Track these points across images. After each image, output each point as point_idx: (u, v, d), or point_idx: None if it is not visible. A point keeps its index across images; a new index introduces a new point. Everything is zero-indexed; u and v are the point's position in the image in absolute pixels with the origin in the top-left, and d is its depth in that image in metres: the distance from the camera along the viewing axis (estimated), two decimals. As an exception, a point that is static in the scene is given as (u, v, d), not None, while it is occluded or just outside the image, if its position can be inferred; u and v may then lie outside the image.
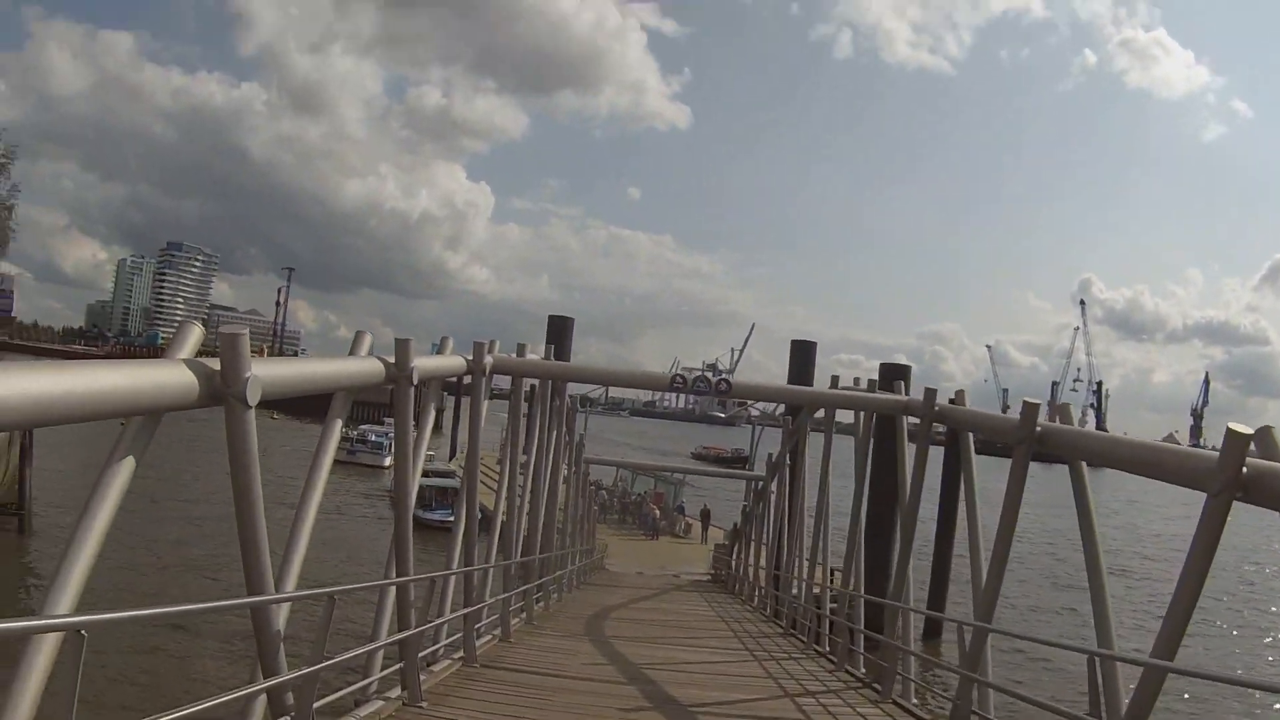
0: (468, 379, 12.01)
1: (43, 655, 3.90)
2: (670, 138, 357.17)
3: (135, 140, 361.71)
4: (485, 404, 12.73)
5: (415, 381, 8.32)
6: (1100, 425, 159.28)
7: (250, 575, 5.66)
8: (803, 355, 28.19)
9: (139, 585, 22.24)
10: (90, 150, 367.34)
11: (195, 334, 5.10)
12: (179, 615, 9.48)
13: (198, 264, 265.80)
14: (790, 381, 28.15)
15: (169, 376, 4.55)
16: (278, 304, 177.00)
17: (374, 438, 61.96)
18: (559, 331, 27.91)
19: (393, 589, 9.03)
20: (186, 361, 4.76)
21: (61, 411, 3.76)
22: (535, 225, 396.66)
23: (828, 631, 15.14)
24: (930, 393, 10.58)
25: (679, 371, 13.45)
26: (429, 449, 12.28)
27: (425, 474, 13.67)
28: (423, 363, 8.80)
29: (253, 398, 4.98)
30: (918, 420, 11.29)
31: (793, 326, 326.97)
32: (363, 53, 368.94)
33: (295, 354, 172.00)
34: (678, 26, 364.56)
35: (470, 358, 11.49)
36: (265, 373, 5.15)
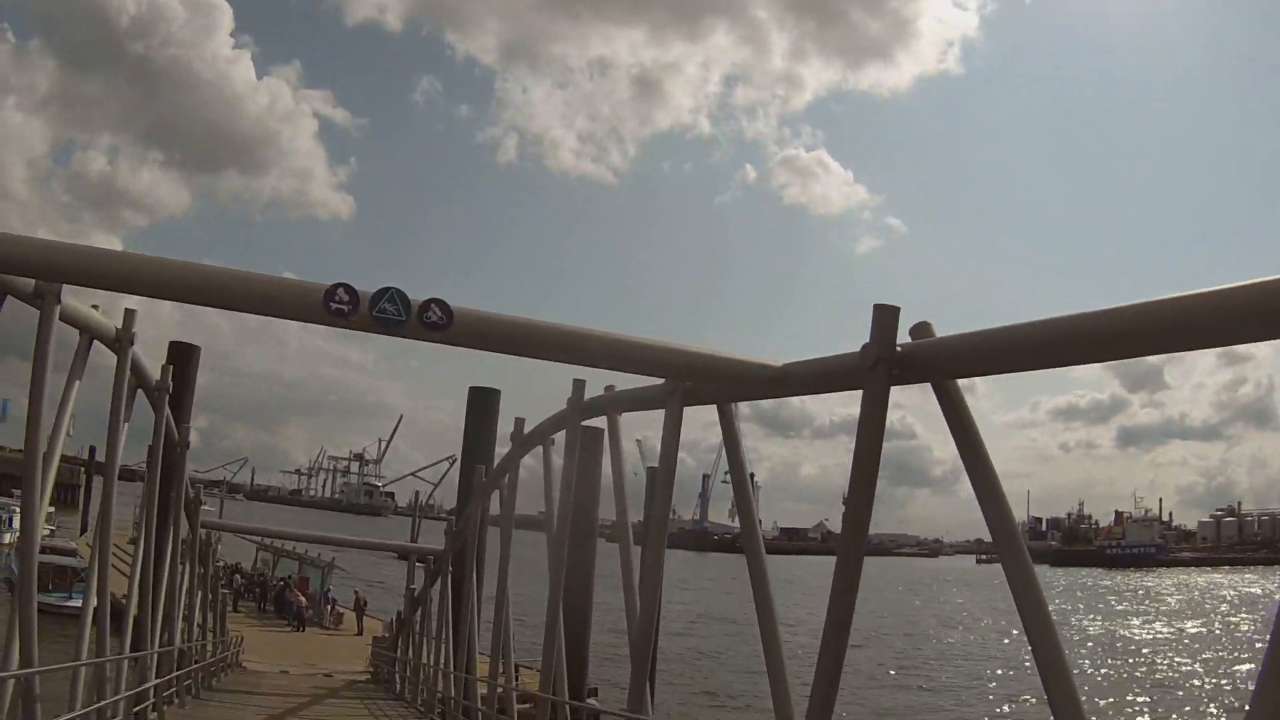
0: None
1: None
2: (331, 226, 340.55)
3: None
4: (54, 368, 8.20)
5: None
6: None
7: None
8: (484, 404, 24.30)
9: None
10: None
11: None
12: None
13: None
14: (468, 435, 24.44)
15: None
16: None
17: None
18: (183, 361, 19.95)
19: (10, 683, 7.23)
20: None
21: None
22: (189, 305, 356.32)
23: None
24: (887, 311, 5.58)
25: (337, 284, 6.11)
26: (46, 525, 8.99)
27: (41, 549, 9.50)
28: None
29: None
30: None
31: (440, 420, 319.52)
32: (36, 110, 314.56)
33: None
34: (350, 117, 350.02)
35: None
36: None
